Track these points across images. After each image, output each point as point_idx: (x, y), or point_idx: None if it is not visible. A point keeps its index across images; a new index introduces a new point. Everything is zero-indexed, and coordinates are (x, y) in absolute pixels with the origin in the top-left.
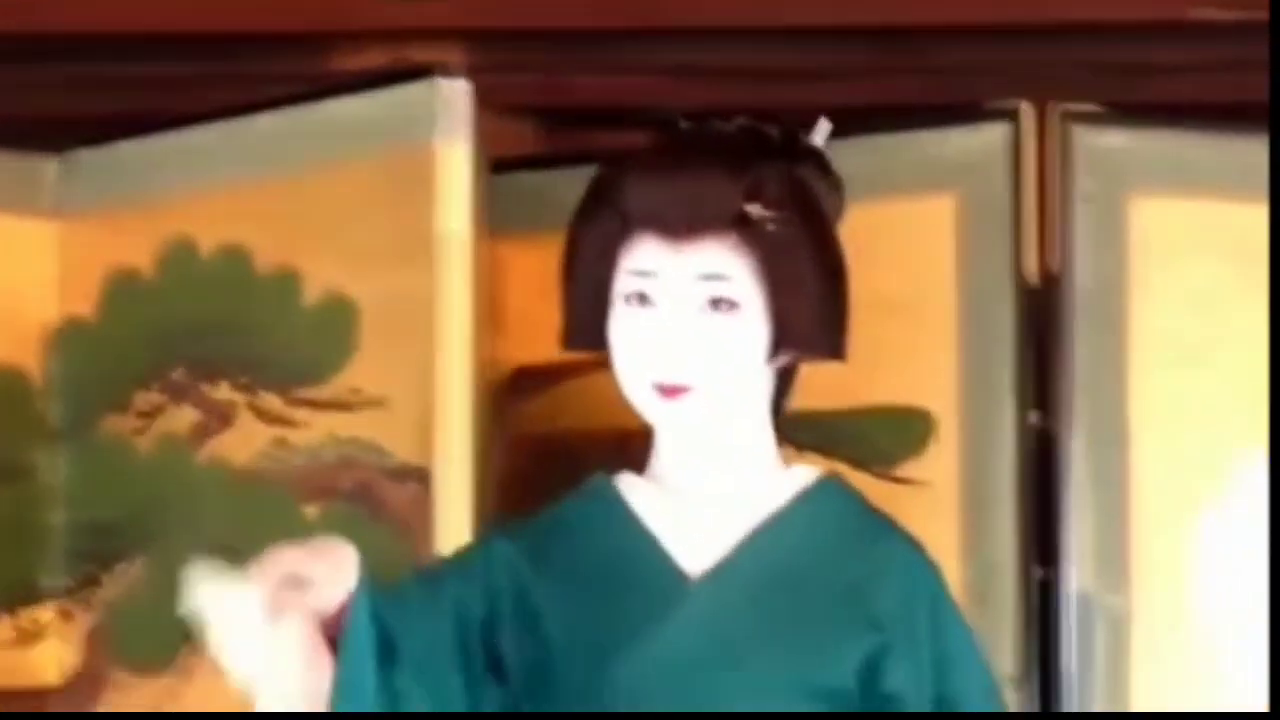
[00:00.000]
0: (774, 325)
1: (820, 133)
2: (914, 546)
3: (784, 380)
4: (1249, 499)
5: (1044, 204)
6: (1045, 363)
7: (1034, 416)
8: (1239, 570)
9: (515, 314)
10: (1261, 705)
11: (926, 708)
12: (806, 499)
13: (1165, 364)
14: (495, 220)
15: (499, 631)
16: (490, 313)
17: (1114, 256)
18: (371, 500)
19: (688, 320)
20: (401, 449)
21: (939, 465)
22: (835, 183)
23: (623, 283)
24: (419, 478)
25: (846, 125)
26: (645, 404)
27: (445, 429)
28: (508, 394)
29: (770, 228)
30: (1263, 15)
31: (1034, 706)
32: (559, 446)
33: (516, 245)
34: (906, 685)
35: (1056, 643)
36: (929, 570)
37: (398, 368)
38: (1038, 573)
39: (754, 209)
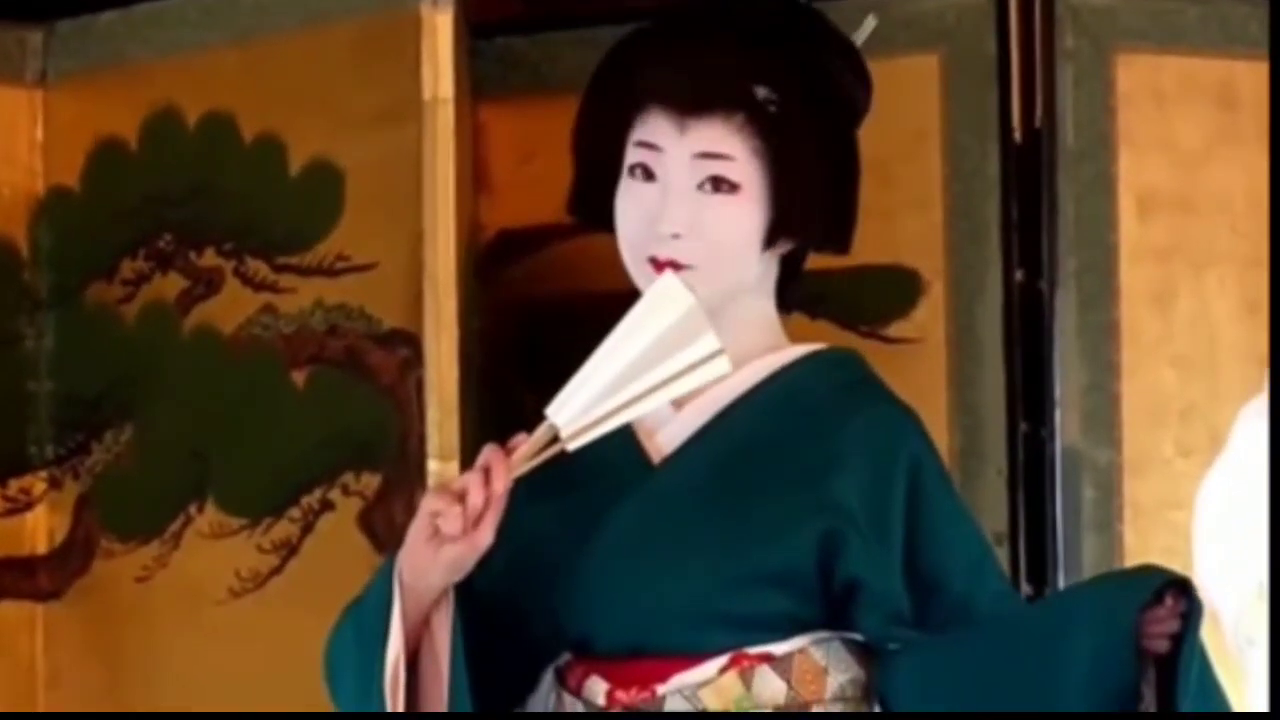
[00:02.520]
0: (773, 210)
1: (865, 29)
2: (901, 415)
3: (789, 267)
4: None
5: (1029, 61)
6: (1032, 219)
7: (1021, 273)
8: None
9: (499, 178)
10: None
11: (895, 586)
12: (781, 377)
13: (1151, 216)
14: (479, 85)
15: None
16: (475, 177)
17: (1098, 112)
18: (360, 366)
19: (687, 197)
20: (389, 315)
21: (927, 323)
22: (863, 77)
23: (630, 154)
24: (407, 342)
25: None
26: (641, 278)
27: (432, 294)
28: (492, 258)
29: (775, 110)
30: None
31: (1023, 563)
32: (544, 310)
33: (500, 109)
34: (868, 568)
35: (1044, 498)
36: (914, 439)
37: (383, 234)
38: (1025, 428)
39: (761, 90)
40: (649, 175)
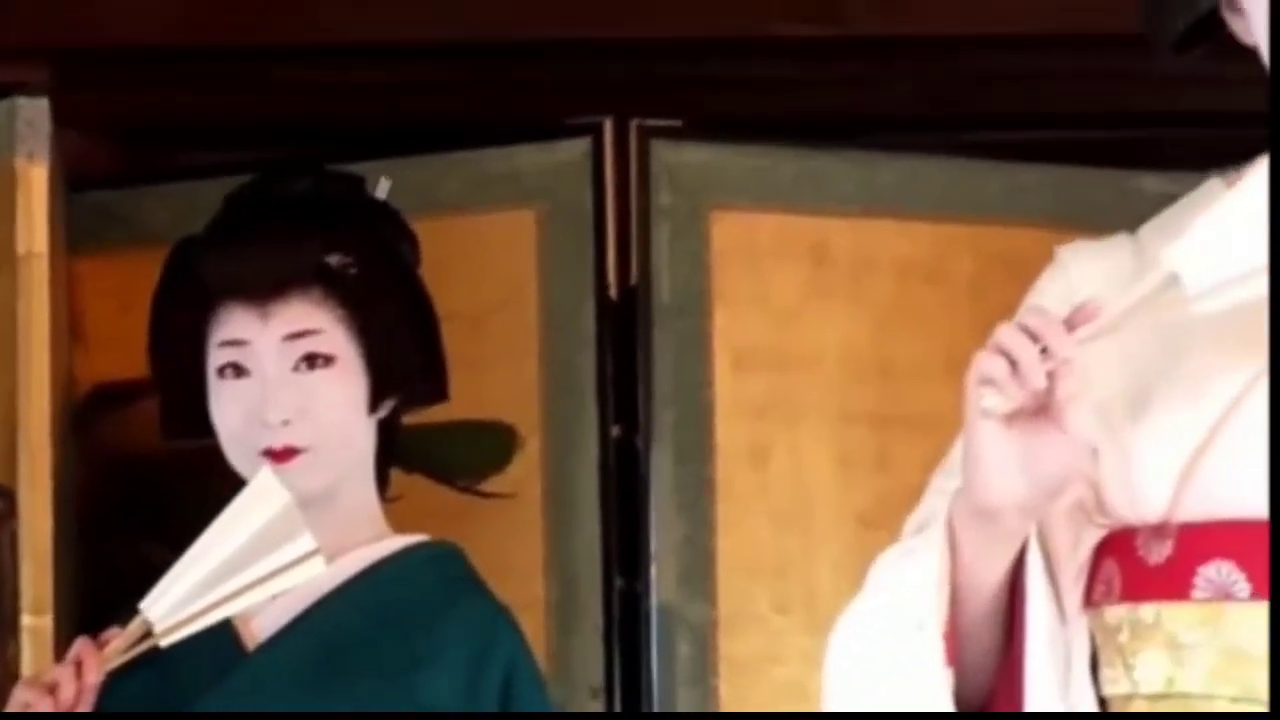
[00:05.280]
0: (371, 373)
1: (382, 188)
2: (496, 614)
3: (388, 436)
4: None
5: (626, 218)
6: (628, 375)
7: (617, 429)
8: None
9: (96, 331)
10: None
11: None
12: (378, 571)
13: (747, 372)
14: (74, 238)
15: None
16: (71, 330)
17: (694, 268)
18: None
19: (286, 381)
20: None
21: (523, 478)
22: (406, 231)
23: (215, 357)
24: (2, 496)
25: (433, 141)
26: (254, 472)
27: (26, 448)
28: (89, 410)
29: (353, 275)
30: (837, 31)
31: None
32: (143, 462)
33: (95, 262)
34: None
35: (640, 653)
36: (508, 639)
37: None
38: (621, 584)
39: (334, 259)
40: (240, 372)
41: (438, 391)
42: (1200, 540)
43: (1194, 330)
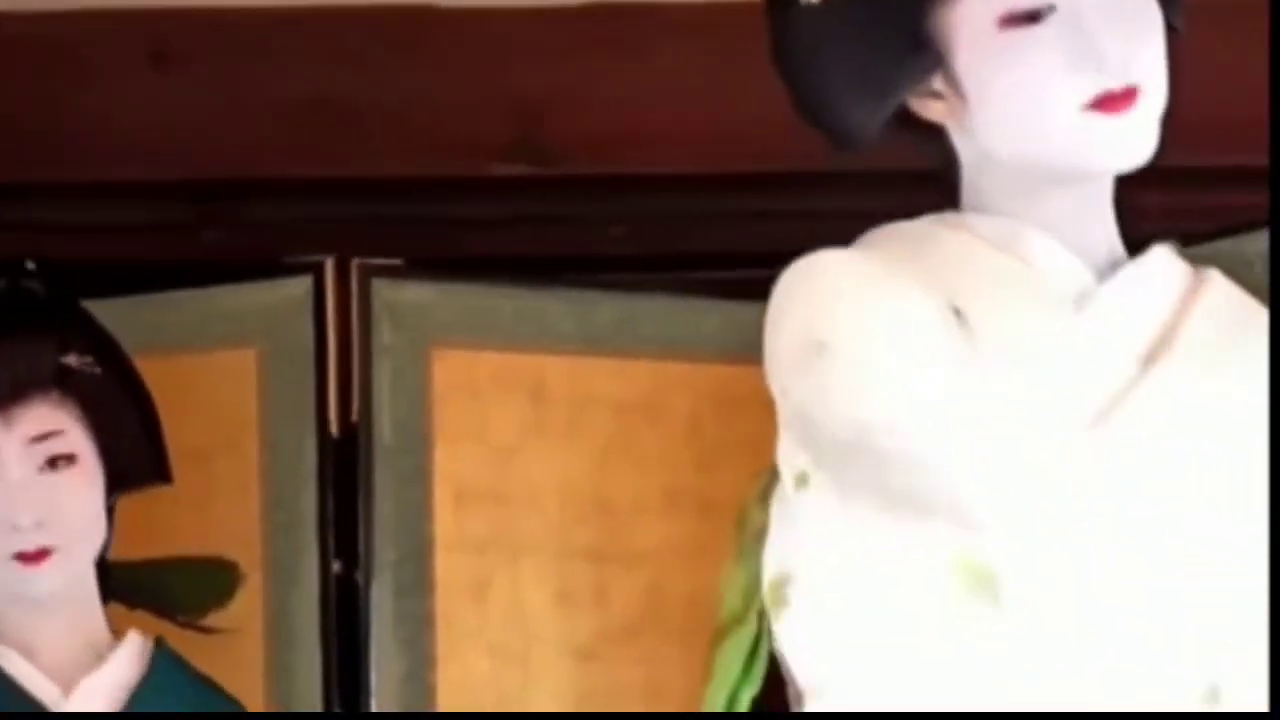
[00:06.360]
0: (107, 466)
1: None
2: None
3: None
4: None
5: (348, 356)
6: (350, 511)
7: (338, 564)
8: None
9: None
10: None
11: None
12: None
13: (467, 508)
14: None
15: None
16: None
17: (415, 406)
18: None
19: (32, 484)
20: None
21: (244, 613)
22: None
23: None
24: None
25: (156, 281)
26: (9, 578)
27: None
28: None
29: (89, 374)
30: (551, 171)
31: None
32: None
33: None
34: None
35: None
36: None
37: None
38: None
39: (71, 359)
40: None
41: (162, 472)
42: None
43: None
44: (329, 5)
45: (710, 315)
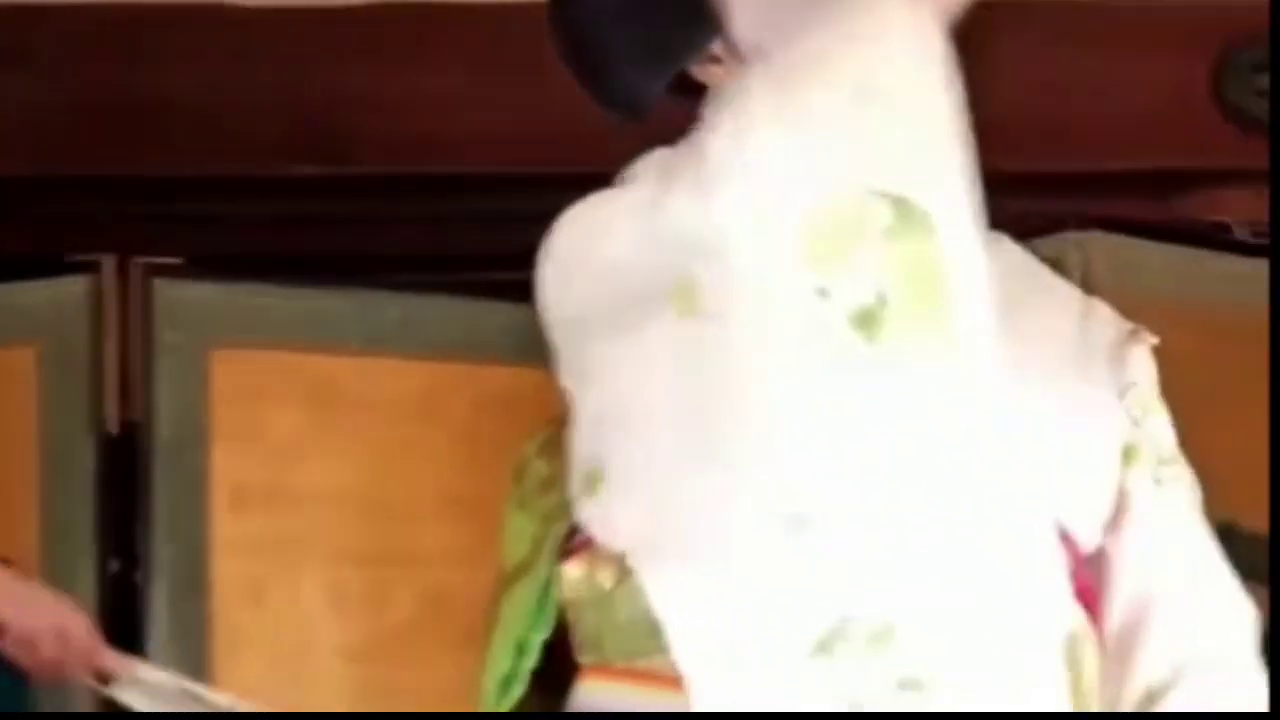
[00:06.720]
0: None
1: None
2: None
3: None
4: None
5: (128, 355)
6: (128, 510)
7: (116, 564)
8: None
9: None
10: None
11: None
12: None
13: (245, 510)
14: None
15: None
16: None
17: (194, 405)
18: None
19: None
20: None
21: None
22: None
23: None
24: None
25: None
26: None
27: None
28: None
29: None
30: (341, 171)
31: None
32: None
33: None
34: None
35: None
36: None
37: None
38: None
39: None
40: None
41: None
42: None
43: None
44: (117, 3)
45: (493, 317)
